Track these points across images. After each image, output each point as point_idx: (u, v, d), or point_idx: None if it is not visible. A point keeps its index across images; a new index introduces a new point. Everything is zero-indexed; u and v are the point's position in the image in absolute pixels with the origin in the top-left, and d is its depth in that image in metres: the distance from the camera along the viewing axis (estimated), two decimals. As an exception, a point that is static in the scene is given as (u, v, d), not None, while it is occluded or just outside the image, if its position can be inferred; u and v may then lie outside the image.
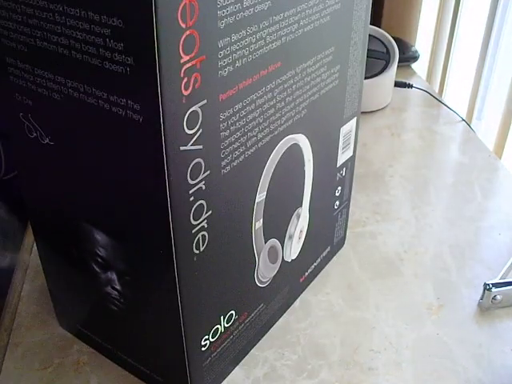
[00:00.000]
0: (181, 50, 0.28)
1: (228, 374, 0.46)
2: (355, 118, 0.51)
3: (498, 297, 0.52)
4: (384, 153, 0.77)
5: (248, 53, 0.33)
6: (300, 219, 0.47)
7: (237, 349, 0.46)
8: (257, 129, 0.37)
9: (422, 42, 1.09)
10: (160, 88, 0.28)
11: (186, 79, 0.29)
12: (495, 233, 0.63)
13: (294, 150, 0.43)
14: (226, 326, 0.43)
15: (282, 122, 0.39)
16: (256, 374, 0.47)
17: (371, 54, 0.85)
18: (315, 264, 0.54)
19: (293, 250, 0.48)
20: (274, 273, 0.47)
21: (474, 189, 0.70)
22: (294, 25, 0.36)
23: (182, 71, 0.29)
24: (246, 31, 0.32)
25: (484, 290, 0.52)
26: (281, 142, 0.40)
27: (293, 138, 0.42)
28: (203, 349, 0.41)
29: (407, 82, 0.90)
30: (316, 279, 0.56)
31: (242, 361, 0.48)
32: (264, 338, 0.50)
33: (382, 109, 0.88)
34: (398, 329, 0.51)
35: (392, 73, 0.85)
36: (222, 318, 0.42)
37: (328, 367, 0.47)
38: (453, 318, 0.52)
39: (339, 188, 0.53)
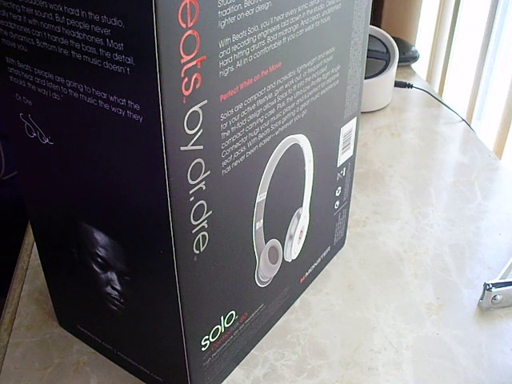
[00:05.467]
0: (181, 50, 0.28)
1: (228, 374, 0.46)
2: (355, 118, 0.51)
3: (498, 297, 0.52)
4: (384, 153, 0.77)
5: (249, 53, 0.33)
6: (300, 219, 0.47)
7: (237, 349, 0.46)
8: (257, 129, 0.37)
9: (422, 42, 1.08)
10: (160, 88, 0.28)
11: (186, 79, 0.29)
12: (495, 233, 0.63)
13: (295, 151, 0.43)
14: (227, 326, 0.43)
15: (283, 122, 0.39)
16: (256, 373, 0.47)
17: (371, 54, 0.85)
18: (315, 264, 0.54)
19: (293, 250, 0.48)
20: (275, 273, 0.47)
21: (474, 189, 0.70)
22: (294, 25, 0.36)
23: (183, 71, 0.29)
24: (247, 31, 0.32)
25: (484, 290, 0.52)
26: (281, 143, 0.40)
27: (293, 139, 0.42)
28: (203, 349, 0.41)
29: (407, 82, 0.90)
30: (316, 279, 0.56)
31: (242, 361, 0.48)
32: (264, 337, 0.50)
33: (382, 109, 0.88)
34: (398, 329, 0.51)
35: (392, 73, 0.85)
36: (222, 318, 0.42)
37: (328, 367, 0.47)
38: (453, 318, 0.52)
39: (339, 188, 0.53)
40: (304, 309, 0.53)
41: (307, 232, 0.49)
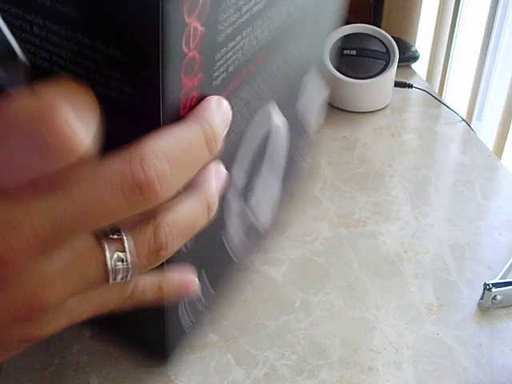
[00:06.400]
0: (182, 74, 0.27)
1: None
2: (318, 72, 0.50)
3: (498, 297, 0.52)
4: (384, 153, 0.77)
5: (241, 55, 0.32)
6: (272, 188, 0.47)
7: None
8: (242, 121, 0.37)
9: (422, 42, 1.08)
10: (162, 116, 0.26)
11: (184, 100, 0.28)
12: (495, 233, 0.63)
13: (265, 117, 0.42)
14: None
15: (262, 104, 0.39)
16: (256, 373, 0.47)
17: (371, 54, 0.85)
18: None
19: (263, 215, 0.49)
20: (249, 245, 0.48)
21: (474, 189, 0.70)
22: (283, 16, 0.36)
23: (182, 93, 0.27)
24: (242, 35, 0.31)
25: (484, 290, 0.52)
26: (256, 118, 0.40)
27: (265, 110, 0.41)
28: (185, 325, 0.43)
29: (407, 82, 0.90)
30: (316, 279, 0.56)
31: (242, 361, 0.48)
32: (264, 337, 0.50)
33: (382, 109, 0.87)
34: (398, 329, 0.51)
35: (392, 73, 0.85)
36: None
37: (328, 367, 0.47)
38: (453, 318, 0.52)
39: (308, 150, 0.52)
40: (304, 309, 0.53)
41: (277, 197, 0.50)
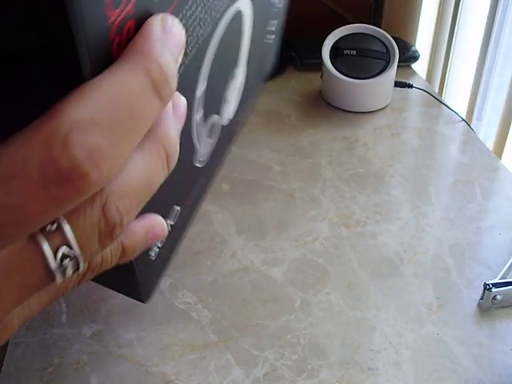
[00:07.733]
0: (106, 5, 0.19)
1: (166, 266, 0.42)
2: None
3: (498, 297, 0.52)
4: (384, 153, 0.77)
5: None
6: (236, 78, 0.41)
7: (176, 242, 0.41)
8: (205, 29, 0.30)
9: (422, 42, 1.08)
10: (85, 68, 0.19)
11: (118, 38, 0.21)
12: (495, 233, 0.63)
13: (236, 18, 0.35)
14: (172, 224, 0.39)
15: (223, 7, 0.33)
16: (256, 373, 0.47)
17: (371, 54, 0.85)
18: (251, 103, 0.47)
19: (230, 110, 0.43)
20: (214, 142, 0.42)
21: (474, 189, 0.70)
22: None
23: (112, 32, 0.20)
24: None
25: (484, 290, 0.52)
26: (223, 20, 0.33)
27: (235, 8, 0.34)
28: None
29: (407, 81, 0.90)
30: (316, 279, 0.56)
31: (242, 361, 0.48)
32: (264, 337, 0.50)
33: (382, 109, 0.87)
34: (398, 329, 0.51)
35: (392, 73, 0.85)
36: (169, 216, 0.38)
37: (328, 367, 0.47)
38: (453, 318, 0.52)
39: (275, 22, 0.45)
40: (304, 309, 0.53)
41: (244, 83, 0.44)
